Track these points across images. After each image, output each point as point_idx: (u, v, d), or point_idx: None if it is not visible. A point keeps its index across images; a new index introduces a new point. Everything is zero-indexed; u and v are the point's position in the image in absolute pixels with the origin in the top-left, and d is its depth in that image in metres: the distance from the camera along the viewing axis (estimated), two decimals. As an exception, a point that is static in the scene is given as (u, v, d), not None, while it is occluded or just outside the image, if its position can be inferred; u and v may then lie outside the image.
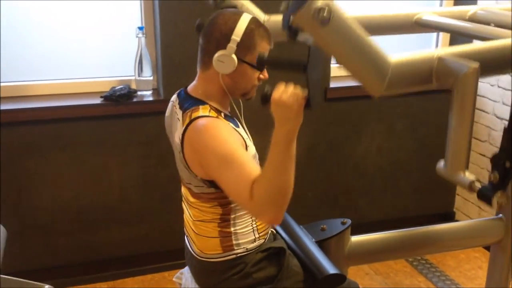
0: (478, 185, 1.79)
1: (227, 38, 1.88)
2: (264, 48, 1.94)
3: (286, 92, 1.66)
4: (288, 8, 1.61)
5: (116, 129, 3.28)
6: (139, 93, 3.31)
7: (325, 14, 1.54)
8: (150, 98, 3.31)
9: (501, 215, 2.61)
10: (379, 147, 3.83)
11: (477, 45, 1.88)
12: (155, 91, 3.39)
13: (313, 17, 1.54)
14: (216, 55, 1.88)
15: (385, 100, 3.73)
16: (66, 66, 3.32)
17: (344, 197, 3.87)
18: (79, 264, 3.41)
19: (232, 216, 2.00)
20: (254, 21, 1.93)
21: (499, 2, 3.36)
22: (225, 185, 1.83)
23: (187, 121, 1.89)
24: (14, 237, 3.20)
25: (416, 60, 1.79)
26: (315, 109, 1.70)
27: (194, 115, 1.89)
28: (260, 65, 1.87)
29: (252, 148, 1.99)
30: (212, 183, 1.92)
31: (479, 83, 3.64)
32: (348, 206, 3.89)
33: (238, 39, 1.88)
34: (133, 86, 3.34)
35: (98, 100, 3.23)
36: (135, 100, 3.27)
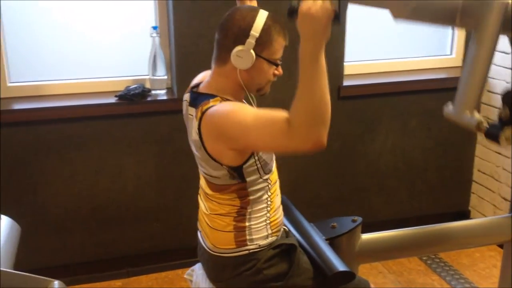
0: (486, 125, 1.71)
1: (245, 33, 1.90)
2: (280, 44, 1.96)
3: (315, 4, 1.61)
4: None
5: (131, 128, 3.31)
6: (153, 92, 3.33)
7: None
8: (164, 97, 3.33)
9: (512, 213, 2.61)
10: (393, 145, 3.83)
11: None
12: (169, 90, 3.41)
13: None
14: (235, 50, 1.90)
15: (399, 97, 3.74)
16: (81, 66, 3.35)
17: (358, 195, 3.87)
18: (94, 261, 3.44)
19: (249, 211, 2.03)
20: (271, 17, 1.95)
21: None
22: (262, 141, 1.81)
23: (199, 115, 1.92)
24: (30, 234, 3.24)
25: None
26: (339, 22, 1.65)
27: (205, 107, 1.91)
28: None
29: None
30: (236, 171, 1.94)
31: (495, 81, 3.64)
32: (362, 204, 3.89)
33: (257, 34, 1.90)
34: (148, 85, 3.36)
35: (112, 99, 3.26)
36: (149, 99, 3.29)
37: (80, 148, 3.25)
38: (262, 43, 1.92)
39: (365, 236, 2.36)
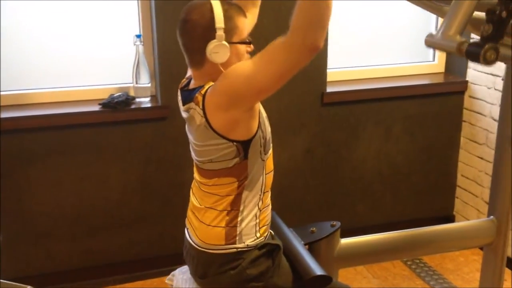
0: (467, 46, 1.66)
1: (211, 29, 1.89)
2: (243, 22, 1.97)
3: None
4: None
5: (115, 136, 3.32)
6: (137, 100, 3.35)
7: None
8: (149, 105, 3.35)
9: (492, 217, 2.64)
10: (377, 151, 3.86)
11: None
12: (153, 97, 3.43)
13: None
14: (209, 48, 1.90)
15: (382, 103, 3.77)
16: (65, 74, 3.37)
17: (343, 201, 3.90)
18: (79, 269, 3.45)
19: (242, 205, 2.04)
20: (224, 2, 1.95)
21: None
22: (267, 77, 1.81)
23: (201, 99, 1.93)
24: (15, 242, 3.26)
25: None
26: None
27: (203, 90, 1.93)
28: None
29: (263, 111, 2.05)
30: (243, 146, 1.96)
31: (477, 87, 3.67)
32: (347, 210, 3.91)
33: (223, 25, 1.90)
34: (132, 93, 3.38)
35: (96, 107, 3.27)
36: (133, 106, 3.31)
37: (65, 156, 3.26)
38: (229, 30, 1.92)
39: (345, 241, 2.38)
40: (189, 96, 2.01)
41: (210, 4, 1.92)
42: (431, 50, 4.01)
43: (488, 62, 1.60)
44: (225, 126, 1.93)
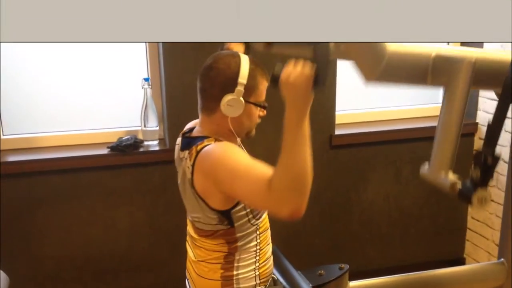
0: (460, 186, 1.75)
1: (233, 81, 1.91)
2: (264, 86, 1.99)
3: (295, 72, 1.63)
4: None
5: (123, 179, 3.33)
6: (145, 143, 3.36)
7: None
8: (157, 148, 3.36)
9: (502, 259, 2.61)
10: (386, 194, 3.84)
11: (478, 50, 1.84)
12: (161, 140, 3.44)
13: None
14: (225, 99, 1.90)
15: (391, 145, 3.76)
16: (74, 118, 3.39)
17: (352, 244, 3.87)
18: (87, 313, 3.43)
19: (237, 258, 2.02)
20: (253, 61, 1.97)
21: (504, 45, 3.37)
22: (243, 192, 1.81)
23: (194, 155, 1.92)
24: (24, 285, 3.24)
25: (414, 53, 1.77)
26: (323, 87, 1.64)
27: (200, 147, 1.92)
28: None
29: None
30: (225, 215, 1.93)
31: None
32: (356, 253, 3.88)
33: (245, 81, 1.91)
34: (140, 136, 3.40)
35: (105, 151, 3.28)
36: (141, 150, 3.32)
37: (73, 199, 3.26)
38: (249, 88, 1.92)
39: (353, 284, 2.36)
40: (188, 144, 2.01)
41: (240, 58, 1.94)
42: (440, 92, 4.01)
43: (482, 205, 1.71)
44: (204, 192, 1.92)
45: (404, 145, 3.80)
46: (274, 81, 1.69)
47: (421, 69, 1.75)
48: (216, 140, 1.95)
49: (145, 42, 3.34)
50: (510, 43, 3.00)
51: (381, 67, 1.68)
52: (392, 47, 1.71)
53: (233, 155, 1.86)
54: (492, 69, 1.82)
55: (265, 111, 2.02)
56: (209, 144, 1.91)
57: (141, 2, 1.60)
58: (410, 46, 1.75)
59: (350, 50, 1.73)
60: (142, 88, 3.29)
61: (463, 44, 3.66)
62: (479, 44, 3.53)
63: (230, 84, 1.91)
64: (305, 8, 1.64)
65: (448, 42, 3.06)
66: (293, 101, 1.65)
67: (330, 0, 1.63)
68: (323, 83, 1.63)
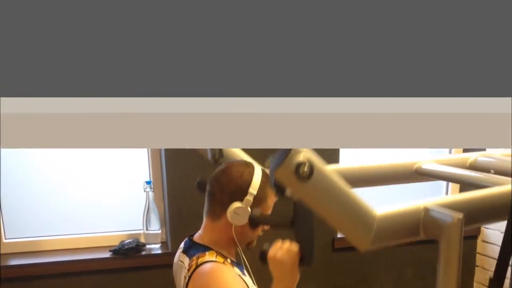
0: None
1: (243, 190, 1.90)
2: (273, 200, 1.98)
3: (281, 249, 1.69)
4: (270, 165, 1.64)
5: (125, 282, 3.30)
6: (147, 246, 3.36)
7: (305, 170, 1.49)
8: (159, 251, 3.35)
9: None
10: (390, 297, 3.80)
11: (465, 195, 1.88)
12: (164, 244, 3.43)
13: (293, 173, 1.48)
14: (233, 207, 1.89)
15: (394, 248, 3.74)
16: (75, 221, 3.39)
17: None
18: None
19: None
20: (265, 173, 1.97)
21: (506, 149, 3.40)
22: None
23: (193, 267, 1.89)
24: None
25: (402, 213, 1.79)
26: (309, 265, 1.71)
27: (201, 260, 1.89)
28: (254, 224, 1.88)
29: None
30: None
31: (490, 231, 3.65)
32: None
33: (255, 192, 1.90)
34: (142, 240, 3.39)
35: (107, 254, 3.27)
36: (143, 253, 3.31)
37: (74, 303, 3.24)
38: (258, 200, 1.92)
39: None
40: (189, 249, 2.00)
41: (253, 169, 1.95)
42: (443, 188, 4.02)
43: None
44: None
45: (407, 247, 3.68)
46: (262, 257, 1.76)
47: (412, 227, 1.77)
48: (218, 254, 1.93)
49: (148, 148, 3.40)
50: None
51: (372, 235, 1.70)
52: (380, 212, 1.74)
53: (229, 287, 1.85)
54: (486, 207, 1.84)
55: (267, 228, 2.03)
56: (210, 261, 1.89)
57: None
58: (397, 207, 1.77)
59: (337, 224, 1.75)
60: (144, 191, 3.32)
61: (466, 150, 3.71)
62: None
63: (240, 192, 1.91)
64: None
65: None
66: (281, 277, 1.72)
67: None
68: (308, 261, 1.73)
